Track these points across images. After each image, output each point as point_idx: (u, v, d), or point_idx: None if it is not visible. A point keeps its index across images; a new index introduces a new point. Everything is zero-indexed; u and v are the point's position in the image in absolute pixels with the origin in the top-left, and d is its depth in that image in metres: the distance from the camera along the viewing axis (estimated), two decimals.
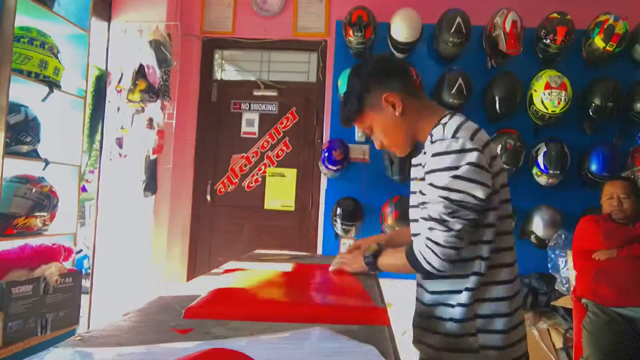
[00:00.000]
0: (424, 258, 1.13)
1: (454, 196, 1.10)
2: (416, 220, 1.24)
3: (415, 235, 1.27)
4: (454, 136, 1.14)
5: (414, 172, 1.30)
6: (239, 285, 1.15)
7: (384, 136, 1.29)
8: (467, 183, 1.10)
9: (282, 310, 0.92)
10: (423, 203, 1.18)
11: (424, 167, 1.19)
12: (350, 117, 1.30)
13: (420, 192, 1.20)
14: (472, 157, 1.11)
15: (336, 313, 0.91)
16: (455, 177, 1.10)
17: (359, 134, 3.50)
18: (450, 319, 1.17)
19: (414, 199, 1.28)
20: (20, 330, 2.02)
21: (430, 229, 1.12)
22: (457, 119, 1.20)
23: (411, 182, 1.34)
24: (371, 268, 1.32)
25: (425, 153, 1.20)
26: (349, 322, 0.82)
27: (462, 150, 1.12)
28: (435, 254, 1.11)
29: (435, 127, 1.21)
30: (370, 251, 1.33)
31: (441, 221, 1.11)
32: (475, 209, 1.11)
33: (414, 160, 1.32)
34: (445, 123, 1.18)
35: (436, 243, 1.11)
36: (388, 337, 0.75)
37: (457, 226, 1.10)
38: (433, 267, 1.13)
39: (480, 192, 1.10)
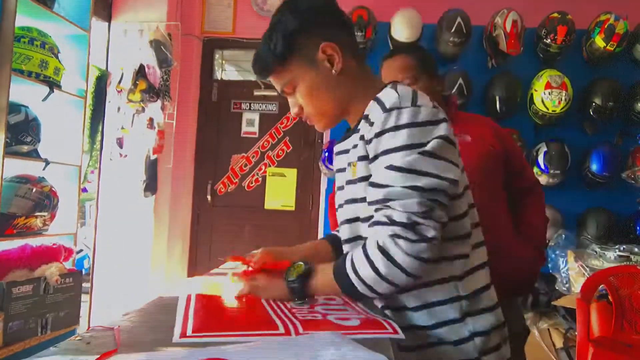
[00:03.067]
0: (383, 275, 0.83)
1: (424, 182, 0.83)
2: (353, 220, 0.97)
3: (351, 240, 1.00)
4: (414, 104, 0.87)
5: (342, 160, 1.03)
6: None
7: (309, 99, 0.98)
8: (439, 162, 0.85)
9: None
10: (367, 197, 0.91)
11: (357, 147, 0.94)
12: (268, 65, 0.97)
13: (361, 178, 0.93)
14: (442, 129, 0.87)
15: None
16: (423, 154, 0.84)
17: None
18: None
19: (348, 192, 0.98)
20: (20, 330, 2.02)
21: (394, 236, 0.82)
22: (406, 87, 0.93)
23: (337, 174, 1.06)
24: (297, 295, 0.92)
25: (358, 131, 0.94)
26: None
27: (430, 122, 0.87)
28: (402, 268, 0.82)
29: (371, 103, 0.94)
30: (296, 272, 0.93)
31: (411, 225, 0.81)
32: (446, 201, 0.86)
33: (338, 147, 1.05)
34: (389, 94, 0.90)
35: (405, 253, 0.81)
36: (389, 346, 0.74)
37: (431, 232, 0.82)
38: (394, 284, 0.84)
39: (452, 174, 0.86)
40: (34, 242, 2.29)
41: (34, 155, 2.32)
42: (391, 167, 0.85)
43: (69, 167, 2.52)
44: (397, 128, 0.86)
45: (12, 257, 2.16)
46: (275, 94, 3.72)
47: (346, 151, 1.01)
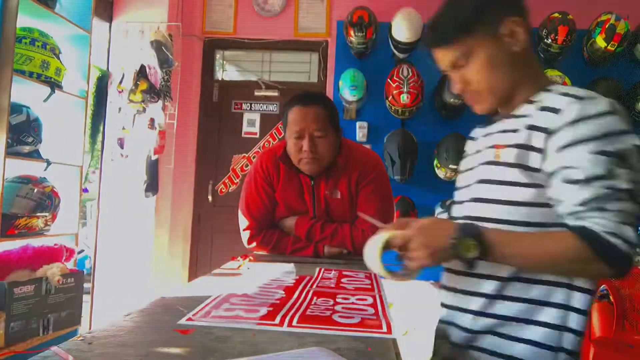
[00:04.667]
0: (624, 240, 0.77)
1: (625, 172, 0.80)
2: (485, 201, 0.93)
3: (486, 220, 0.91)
4: (610, 112, 0.82)
5: (481, 143, 1.02)
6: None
7: (484, 73, 0.93)
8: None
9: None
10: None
11: (517, 132, 0.91)
12: (449, 34, 0.93)
13: (508, 164, 0.90)
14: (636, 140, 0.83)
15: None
16: (626, 152, 0.80)
17: (360, 134, 3.51)
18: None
19: (481, 172, 0.96)
20: (22, 330, 2.02)
21: (613, 199, 0.78)
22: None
23: (467, 158, 1.06)
24: (477, 256, 0.85)
25: (522, 117, 0.92)
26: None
27: (623, 132, 0.82)
28: (630, 236, 0.78)
29: (538, 93, 0.92)
30: (471, 231, 0.85)
31: (628, 192, 0.79)
32: None
33: (479, 132, 1.05)
34: (572, 88, 0.88)
35: (630, 220, 0.78)
36: (392, 347, 0.74)
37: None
38: (628, 258, 0.78)
39: None
40: (35, 242, 2.29)
41: (35, 155, 2.32)
42: (602, 153, 0.79)
43: (70, 167, 2.52)
44: (599, 115, 0.81)
45: (13, 257, 2.16)
46: (276, 94, 3.72)
47: (490, 134, 1.00)
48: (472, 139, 1.09)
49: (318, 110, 1.60)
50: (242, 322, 0.80)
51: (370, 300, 1.00)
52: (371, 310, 0.91)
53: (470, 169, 1.02)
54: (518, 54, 0.93)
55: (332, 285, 1.15)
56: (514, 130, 0.91)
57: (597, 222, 0.78)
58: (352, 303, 0.97)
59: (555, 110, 0.85)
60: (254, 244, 1.75)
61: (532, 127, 0.88)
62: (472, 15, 0.92)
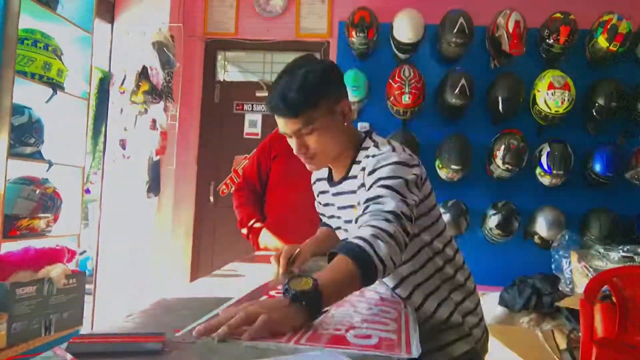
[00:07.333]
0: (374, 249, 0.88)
1: (404, 178, 1.04)
2: None
3: None
4: (394, 150, 1.12)
5: (345, 199, 1.22)
6: None
7: (323, 140, 1.14)
8: (413, 186, 1.07)
9: None
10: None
11: (355, 192, 1.16)
12: (301, 107, 1.10)
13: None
14: (418, 170, 1.10)
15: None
16: (400, 166, 1.07)
17: None
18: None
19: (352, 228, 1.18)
20: (24, 331, 2.03)
21: (379, 202, 0.99)
22: (380, 137, 1.21)
23: (340, 210, 1.25)
24: (315, 311, 0.80)
25: (356, 177, 1.16)
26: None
27: (408, 164, 1.09)
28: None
29: (359, 152, 1.19)
30: (303, 285, 0.79)
31: (396, 192, 1.01)
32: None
33: (338, 188, 1.23)
34: (371, 144, 1.18)
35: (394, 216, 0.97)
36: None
37: (412, 200, 1.02)
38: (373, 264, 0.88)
39: (416, 198, 1.06)
40: (37, 243, 2.30)
41: (37, 156, 2.32)
42: (380, 179, 1.04)
43: (72, 168, 2.52)
44: (389, 164, 1.07)
45: (15, 258, 2.16)
46: None
47: (352, 192, 1.18)
48: (323, 191, 1.33)
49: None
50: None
51: (394, 313, 0.89)
52: (393, 326, 0.80)
53: (338, 217, 1.26)
54: (345, 126, 1.17)
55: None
56: (354, 192, 1.16)
57: (362, 230, 0.93)
58: (374, 315, 0.87)
59: (363, 169, 1.13)
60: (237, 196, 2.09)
61: (361, 185, 1.13)
62: (317, 94, 1.10)
